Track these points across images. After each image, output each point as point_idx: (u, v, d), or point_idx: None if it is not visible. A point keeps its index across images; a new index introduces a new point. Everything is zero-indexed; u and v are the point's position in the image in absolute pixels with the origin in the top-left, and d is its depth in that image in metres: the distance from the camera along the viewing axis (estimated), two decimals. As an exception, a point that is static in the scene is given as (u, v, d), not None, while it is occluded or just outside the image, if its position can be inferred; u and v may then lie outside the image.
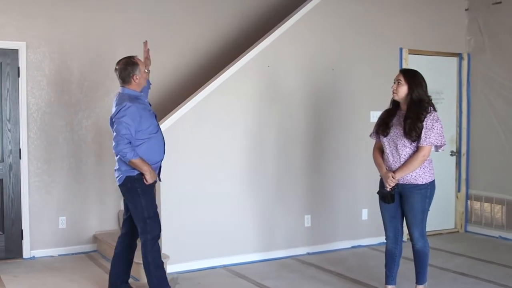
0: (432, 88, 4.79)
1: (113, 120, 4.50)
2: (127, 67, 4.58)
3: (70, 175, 6.38)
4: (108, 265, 4.94)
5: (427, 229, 4.68)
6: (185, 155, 5.69)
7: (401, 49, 6.98)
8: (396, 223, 4.69)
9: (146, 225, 4.58)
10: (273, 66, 6.16)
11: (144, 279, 5.30)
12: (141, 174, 4.51)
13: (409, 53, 7.03)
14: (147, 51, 5.02)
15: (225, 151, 5.93)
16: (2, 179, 6.10)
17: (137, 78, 4.60)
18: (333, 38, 6.54)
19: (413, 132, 4.38)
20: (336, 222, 6.59)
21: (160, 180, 4.90)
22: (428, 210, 4.60)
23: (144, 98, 4.74)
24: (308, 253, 6.36)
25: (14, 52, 6.09)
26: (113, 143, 4.45)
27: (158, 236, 4.65)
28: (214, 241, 5.86)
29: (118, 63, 4.64)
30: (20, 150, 6.13)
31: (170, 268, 5.54)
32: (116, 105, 4.54)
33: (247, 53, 6.04)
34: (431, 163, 4.55)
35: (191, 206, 5.73)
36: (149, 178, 4.50)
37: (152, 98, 6.40)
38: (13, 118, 6.11)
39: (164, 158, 4.76)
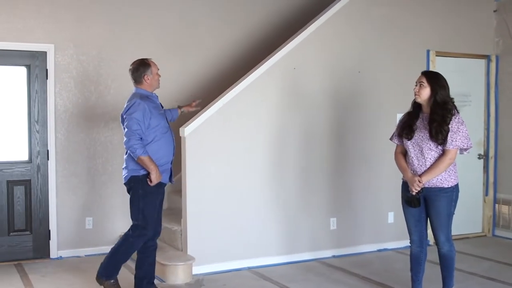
0: (459, 90, 4.76)
1: (124, 116, 4.61)
2: (139, 68, 4.72)
3: (97, 176, 6.44)
4: (133, 266, 4.98)
5: (454, 232, 4.65)
6: (210, 157, 5.70)
7: (428, 51, 6.92)
8: (421, 227, 4.65)
9: (135, 226, 4.68)
10: (299, 68, 6.15)
11: (171, 280, 5.35)
12: (146, 176, 4.57)
13: (436, 55, 6.95)
14: (194, 106, 5.45)
15: (250, 153, 5.93)
16: (30, 179, 6.17)
17: (148, 79, 4.71)
18: (359, 40, 6.51)
19: (439, 135, 4.34)
20: (362, 225, 6.55)
21: (172, 182, 4.93)
22: (453, 213, 4.56)
23: (156, 99, 4.82)
24: (334, 256, 6.34)
25: (43, 54, 6.16)
26: (124, 139, 4.54)
27: (142, 237, 4.69)
28: (239, 243, 5.86)
29: (132, 64, 4.78)
30: (48, 151, 6.20)
31: (196, 270, 5.56)
32: (127, 102, 4.66)
33: (273, 55, 6.03)
34: (455, 165, 4.51)
35: (216, 208, 5.74)
36: (153, 178, 4.55)
37: (179, 100, 6.46)
38: (41, 119, 6.18)
39: (180, 160, 4.77)
